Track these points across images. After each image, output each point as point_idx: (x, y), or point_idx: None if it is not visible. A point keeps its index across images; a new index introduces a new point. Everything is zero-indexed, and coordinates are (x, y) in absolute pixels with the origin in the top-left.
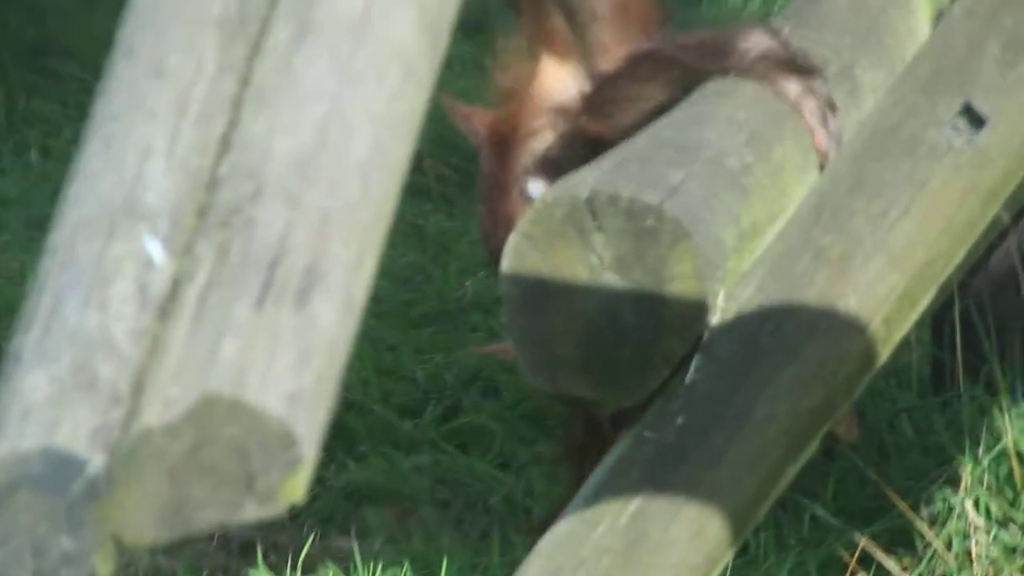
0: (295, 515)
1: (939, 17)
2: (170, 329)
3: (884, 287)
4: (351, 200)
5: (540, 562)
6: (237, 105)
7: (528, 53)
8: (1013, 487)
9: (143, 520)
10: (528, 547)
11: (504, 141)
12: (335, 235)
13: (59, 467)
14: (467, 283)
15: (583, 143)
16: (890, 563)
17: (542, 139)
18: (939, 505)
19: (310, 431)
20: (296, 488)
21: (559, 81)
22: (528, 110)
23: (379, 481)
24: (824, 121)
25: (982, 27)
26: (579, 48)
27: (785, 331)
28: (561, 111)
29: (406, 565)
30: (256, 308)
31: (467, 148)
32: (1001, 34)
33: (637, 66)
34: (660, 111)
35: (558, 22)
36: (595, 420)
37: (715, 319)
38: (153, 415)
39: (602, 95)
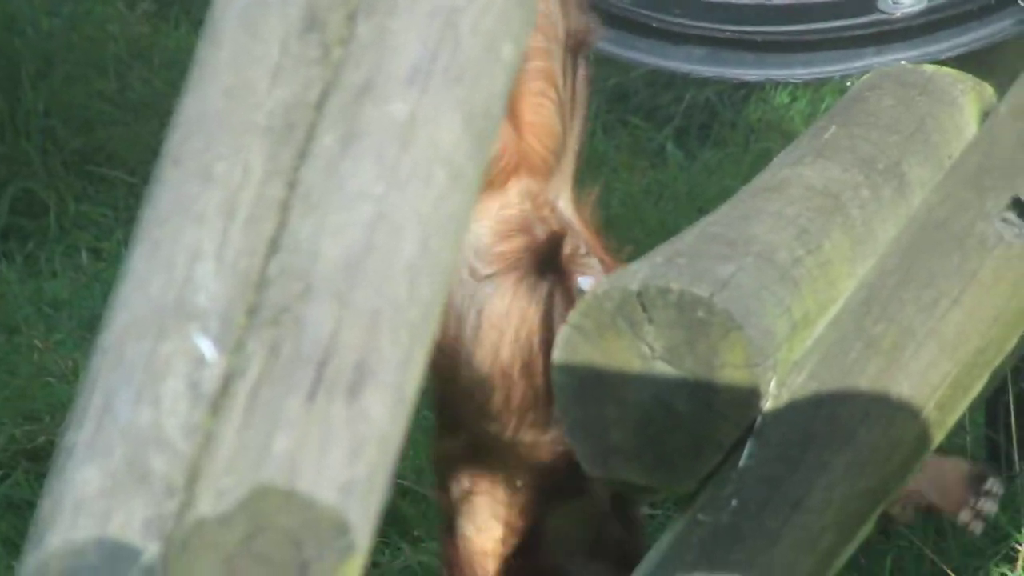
0: None
1: (986, 116)
2: (222, 423)
3: (936, 374)
4: (399, 299)
5: None
6: (285, 208)
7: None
8: None
9: None
10: None
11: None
12: (384, 333)
13: (114, 557)
14: None
15: None
16: None
17: None
18: None
19: (363, 519)
20: (351, 574)
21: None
22: None
23: (434, 564)
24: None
25: None
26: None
27: (839, 417)
28: None
29: None
30: (307, 402)
31: None
32: None
33: None
34: None
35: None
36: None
37: (768, 405)
38: (207, 506)
39: None
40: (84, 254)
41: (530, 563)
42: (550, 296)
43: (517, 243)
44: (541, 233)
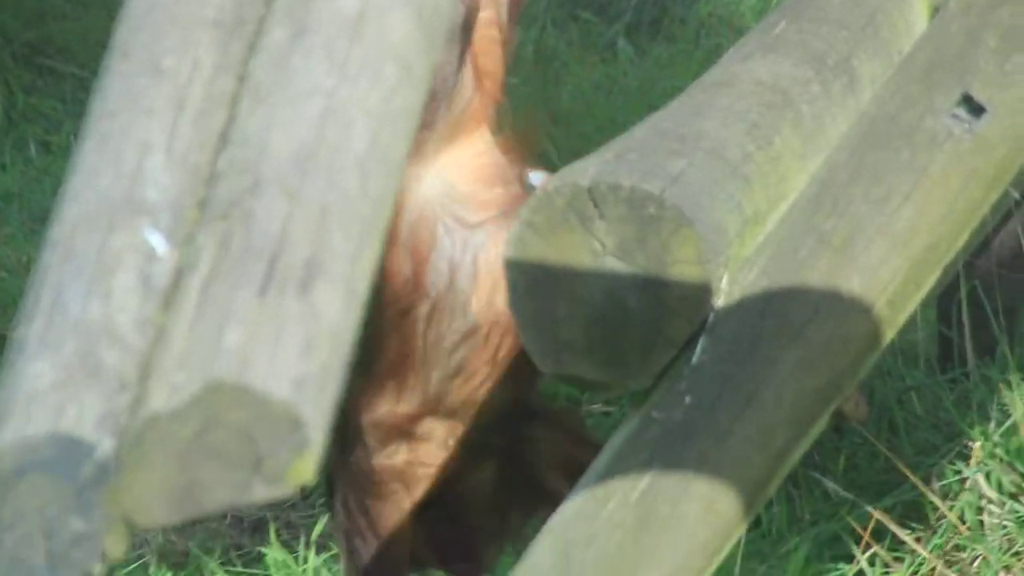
0: (307, 494)
1: (936, 12)
2: (174, 318)
3: (887, 270)
4: (350, 194)
5: (551, 538)
6: (235, 102)
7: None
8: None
9: (153, 502)
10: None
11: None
12: (335, 228)
13: (67, 451)
14: None
15: None
16: (904, 535)
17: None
18: (950, 478)
19: (317, 415)
20: (305, 470)
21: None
22: None
23: None
24: None
25: (979, 20)
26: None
27: (789, 313)
28: None
29: None
30: (259, 297)
31: None
32: (997, 27)
33: None
34: None
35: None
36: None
37: (719, 302)
38: (160, 401)
39: None
40: (33, 147)
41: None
42: None
43: (501, 192)
44: (517, 182)
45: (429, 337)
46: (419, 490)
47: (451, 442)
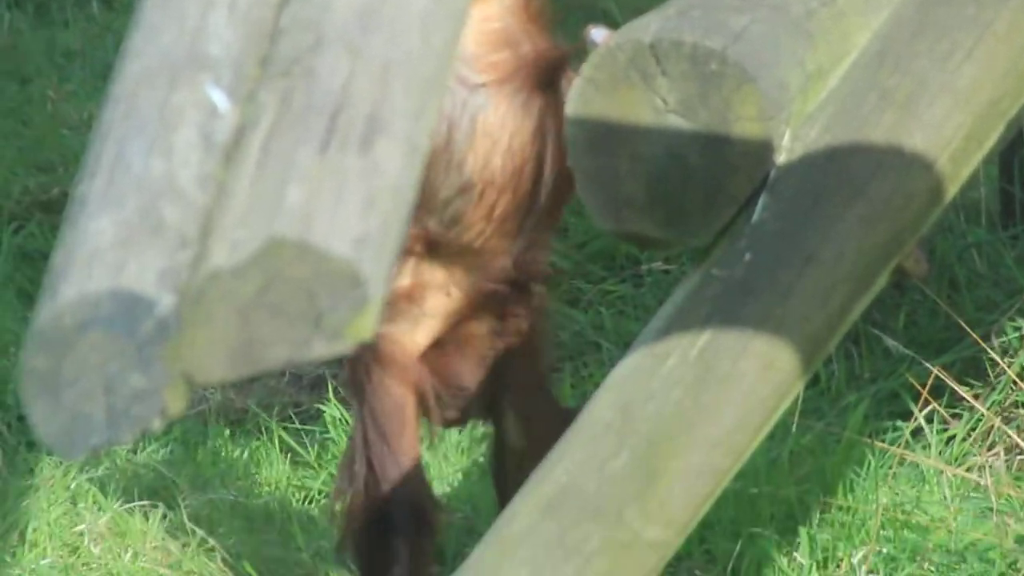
0: None
1: None
2: (236, 175)
3: (950, 126)
4: (412, 50)
5: (610, 395)
6: None
7: None
8: None
9: (213, 359)
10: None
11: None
12: (397, 84)
13: (128, 308)
14: None
15: None
16: (962, 392)
17: None
18: (1010, 335)
19: (376, 272)
20: (364, 327)
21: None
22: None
23: None
24: None
25: None
26: None
27: (852, 170)
28: None
29: None
30: (320, 154)
31: None
32: None
33: None
34: None
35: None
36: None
37: (781, 159)
38: (221, 257)
39: None
40: (95, 4)
41: (448, 365)
42: (543, 112)
43: (506, 55)
44: (527, 48)
45: (424, 188)
46: (424, 334)
47: (452, 291)
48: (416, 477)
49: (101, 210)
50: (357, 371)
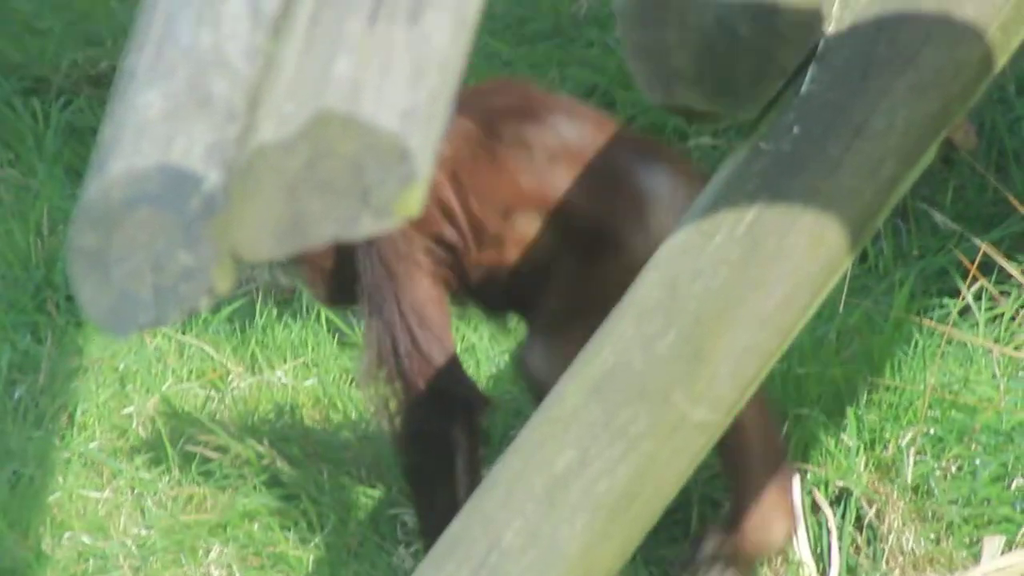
0: None
1: None
2: (284, 47)
3: None
4: None
5: (657, 274)
6: None
7: None
8: None
9: (260, 235)
10: None
11: None
12: None
13: (176, 184)
14: None
15: None
16: (1011, 268)
17: None
18: None
19: (424, 146)
20: (412, 202)
21: None
22: None
23: None
24: None
25: None
26: None
27: (901, 40)
28: None
29: None
30: (368, 25)
31: None
32: None
33: None
34: None
35: None
36: None
37: (830, 29)
38: (269, 131)
39: None
40: None
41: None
42: None
43: None
44: None
45: None
46: (512, 254)
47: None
48: (459, 363)
49: (149, 83)
50: (388, 262)
